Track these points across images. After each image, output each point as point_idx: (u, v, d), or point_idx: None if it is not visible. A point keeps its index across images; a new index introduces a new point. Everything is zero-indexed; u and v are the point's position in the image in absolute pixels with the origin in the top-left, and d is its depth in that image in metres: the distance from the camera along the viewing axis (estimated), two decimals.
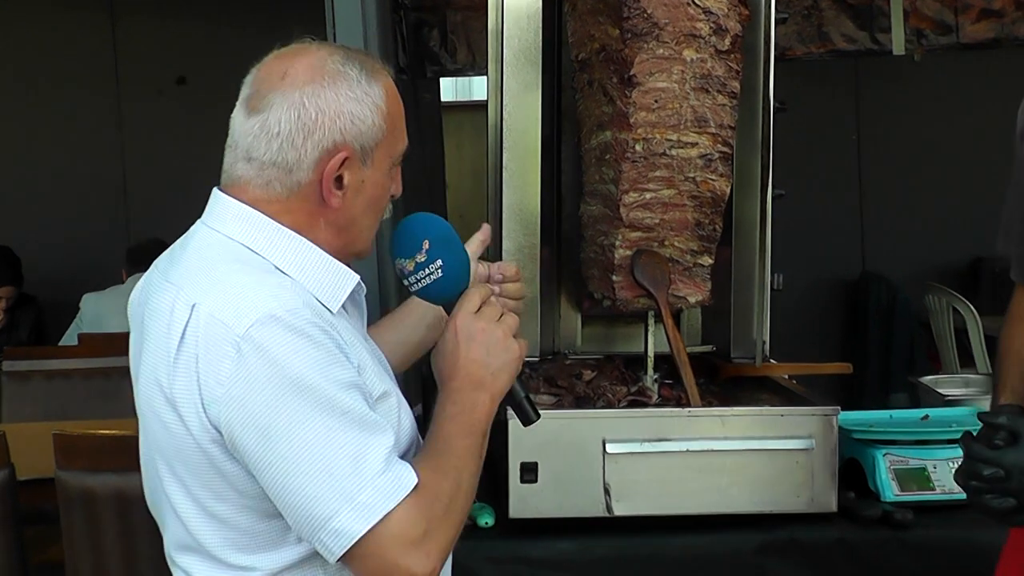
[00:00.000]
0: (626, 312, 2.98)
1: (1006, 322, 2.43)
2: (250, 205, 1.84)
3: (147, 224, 6.05)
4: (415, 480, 1.74)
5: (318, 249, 1.85)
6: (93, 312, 5.55)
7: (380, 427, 1.75)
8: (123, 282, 5.70)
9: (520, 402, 1.96)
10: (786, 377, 3.09)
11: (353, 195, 1.84)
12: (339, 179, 1.82)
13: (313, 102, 1.80)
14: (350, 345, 1.80)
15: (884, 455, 2.86)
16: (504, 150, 3.03)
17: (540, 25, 3.03)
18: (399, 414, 1.87)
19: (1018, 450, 2.06)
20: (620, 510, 2.69)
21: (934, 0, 6.40)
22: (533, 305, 3.03)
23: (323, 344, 1.72)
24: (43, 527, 3.54)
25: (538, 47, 3.04)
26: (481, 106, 3.68)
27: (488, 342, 1.86)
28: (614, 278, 2.90)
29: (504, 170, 3.03)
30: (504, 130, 3.04)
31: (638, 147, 2.83)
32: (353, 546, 1.71)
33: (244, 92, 1.85)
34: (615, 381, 2.97)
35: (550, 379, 2.98)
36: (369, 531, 1.70)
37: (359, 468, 1.71)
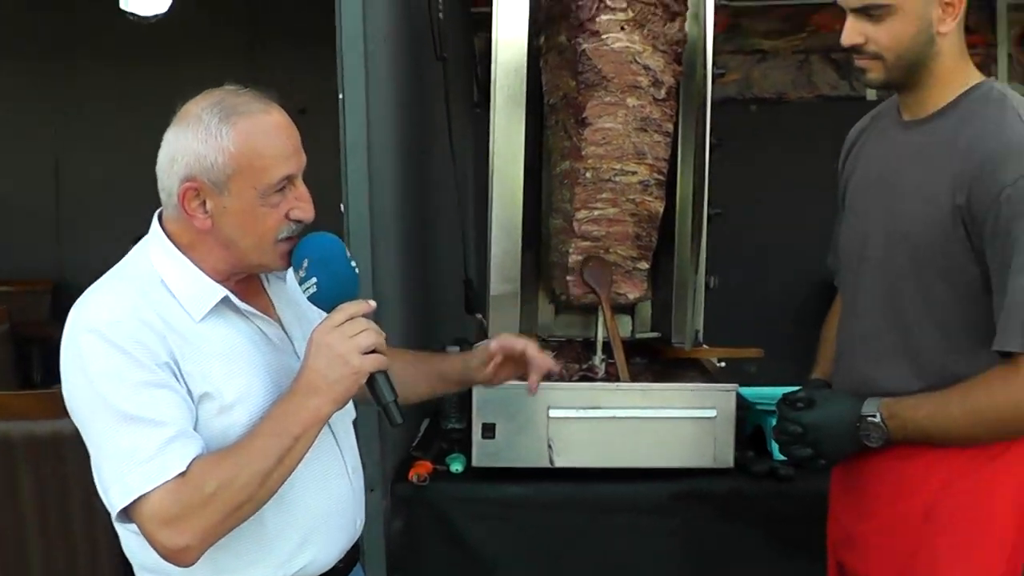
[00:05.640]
0: (577, 305, 2.99)
1: (827, 317, 2.50)
2: (162, 226, 1.84)
3: None
4: (180, 469, 1.66)
5: (192, 266, 1.81)
6: None
7: (159, 423, 1.68)
8: None
9: (386, 406, 1.83)
10: (715, 360, 3.07)
11: (220, 218, 1.77)
12: (203, 204, 1.77)
13: (173, 141, 1.78)
14: (194, 351, 1.75)
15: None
16: (493, 174, 3.04)
17: (524, 76, 3.01)
18: (218, 411, 1.76)
19: (812, 412, 2.19)
20: (560, 462, 2.71)
21: None
22: (513, 298, 3.04)
23: (129, 353, 1.68)
24: None
25: (522, 93, 3.01)
26: None
27: (331, 354, 1.74)
28: (568, 278, 2.92)
29: (493, 191, 3.04)
30: (494, 159, 3.04)
31: (588, 174, 2.84)
32: (120, 513, 1.69)
33: None
34: (571, 360, 2.98)
35: None
36: (130, 505, 1.67)
37: (132, 455, 1.66)
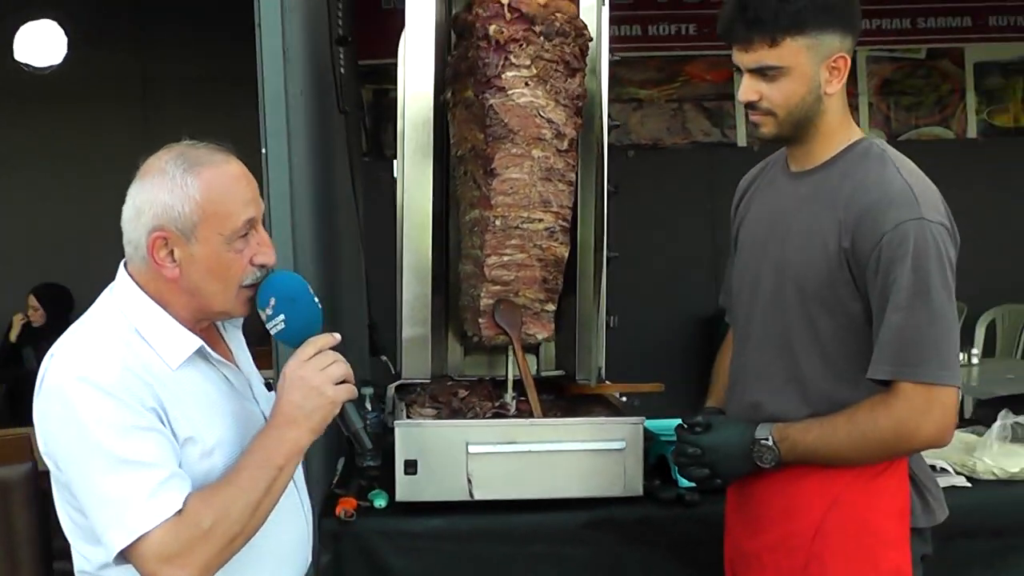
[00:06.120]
0: (490, 346, 3.10)
1: (720, 350, 2.66)
2: (131, 276, 1.88)
3: None
4: (177, 507, 1.71)
5: (167, 316, 1.85)
6: None
7: (153, 464, 1.72)
8: None
9: (355, 433, 1.92)
10: (617, 395, 3.20)
11: (188, 266, 1.82)
12: (172, 253, 1.82)
13: (138, 194, 1.82)
14: (174, 398, 1.80)
15: None
16: (403, 222, 3.15)
17: (432, 129, 3.13)
18: (200, 456, 1.82)
19: (710, 435, 2.35)
20: (480, 495, 2.79)
21: None
22: (424, 340, 3.15)
23: (119, 399, 1.72)
24: None
25: (430, 145, 3.14)
26: None
27: (305, 387, 1.82)
28: (480, 320, 3.02)
29: (403, 238, 3.14)
30: (403, 208, 3.15)
31: (497, 222, 2.95)
32: (121, 553, 1.72)
33: None
34: (483, 398, 3.08)
35: (433, 396, 3.10)
36: (131, 544, 1.70)
37: (130, 497, 1.70)
